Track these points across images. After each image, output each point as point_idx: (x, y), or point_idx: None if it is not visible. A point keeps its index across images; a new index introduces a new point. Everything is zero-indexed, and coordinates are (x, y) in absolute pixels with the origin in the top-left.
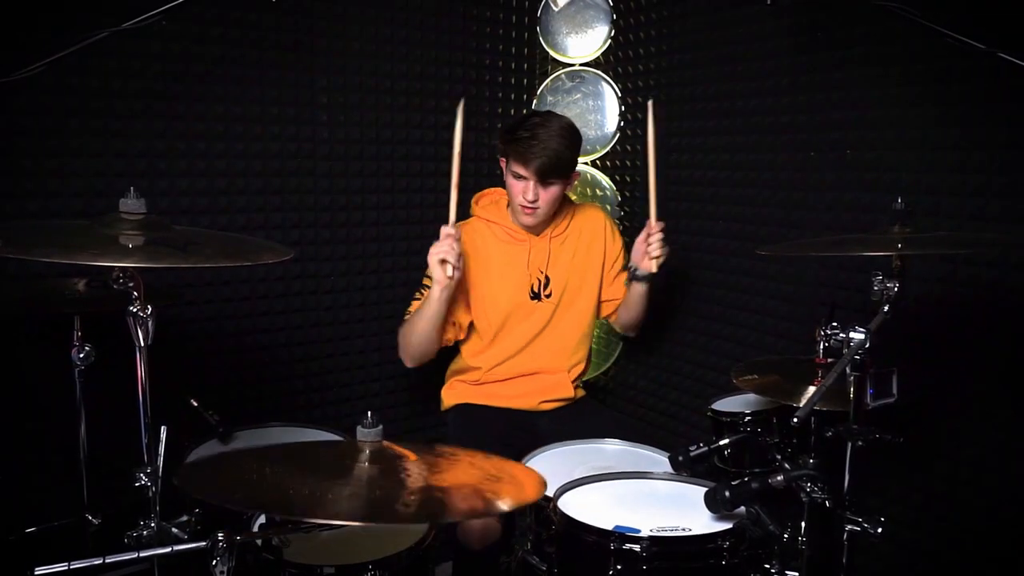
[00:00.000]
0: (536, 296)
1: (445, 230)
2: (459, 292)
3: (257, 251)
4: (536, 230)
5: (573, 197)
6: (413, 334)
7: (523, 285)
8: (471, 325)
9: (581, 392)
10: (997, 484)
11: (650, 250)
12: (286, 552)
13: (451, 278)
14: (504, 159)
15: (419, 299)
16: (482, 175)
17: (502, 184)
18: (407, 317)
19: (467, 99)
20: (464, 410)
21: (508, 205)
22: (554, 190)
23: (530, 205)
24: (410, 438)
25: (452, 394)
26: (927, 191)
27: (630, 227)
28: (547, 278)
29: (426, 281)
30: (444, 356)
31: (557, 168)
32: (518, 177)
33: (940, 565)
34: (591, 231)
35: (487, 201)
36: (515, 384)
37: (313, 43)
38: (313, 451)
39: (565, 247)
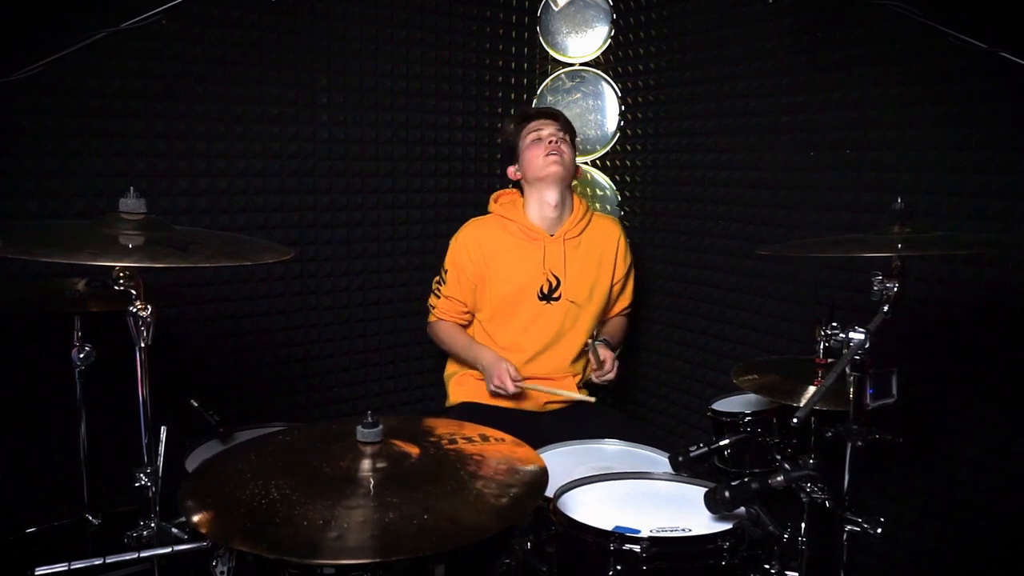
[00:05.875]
0: (545, 298)
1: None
2: (471, 290)
3: (257, 251)
4: (552, 228)
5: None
6: (442, 345)
7: (533, 285)
8: (483, 322)
9: (584, 392)
10: (997, 484)
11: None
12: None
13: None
14: (517, 147)
15: (437, 296)
16: (482, 174)
17: (508, 184)
18: (433, 316)
19: (467, 99)
20: (470, 408)
21: (523, 204)
22: (569, 148)
23: (556, 147)
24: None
25: (461, 391)
26: (927, 191)
27: (630, 227)
28: (557, 280)
29: (440, 276)
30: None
31: (567, 122)
32: (538, 140)
33: (940, 565)
34: (604, 243)
35: (506, 199)
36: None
37: (313, 43)
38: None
39: (579, 252)
